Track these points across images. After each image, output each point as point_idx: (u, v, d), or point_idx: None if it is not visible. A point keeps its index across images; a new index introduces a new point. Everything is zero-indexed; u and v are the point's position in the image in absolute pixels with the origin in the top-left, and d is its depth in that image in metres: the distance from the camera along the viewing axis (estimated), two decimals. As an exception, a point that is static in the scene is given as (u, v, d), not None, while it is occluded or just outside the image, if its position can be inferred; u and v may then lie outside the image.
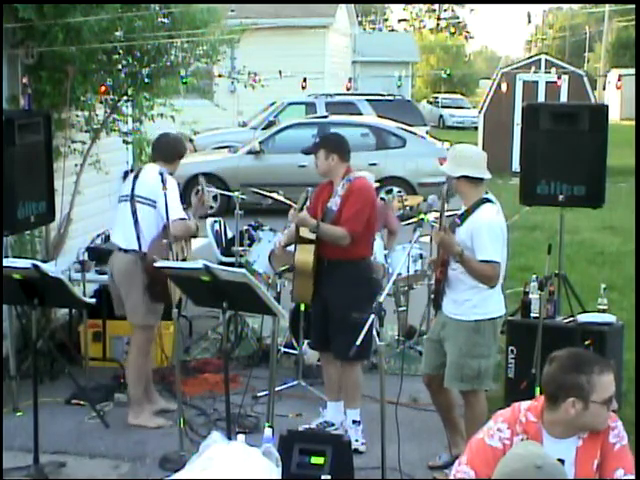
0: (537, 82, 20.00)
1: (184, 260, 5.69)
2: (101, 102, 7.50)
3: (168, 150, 5.82)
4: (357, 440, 5.32)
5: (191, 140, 17.29)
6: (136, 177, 5.72)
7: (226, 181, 13.38)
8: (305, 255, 5.35)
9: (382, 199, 8.52)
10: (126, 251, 5.61)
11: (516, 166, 16.90)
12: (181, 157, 5.88)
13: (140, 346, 5.71)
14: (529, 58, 22.98)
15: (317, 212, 5.43)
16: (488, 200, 4.84)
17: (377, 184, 6.72)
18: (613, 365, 3.33)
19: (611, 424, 3.30)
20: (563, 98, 18.93)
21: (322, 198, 5.48)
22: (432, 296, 5.22)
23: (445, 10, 72.06)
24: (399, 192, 12.61)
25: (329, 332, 5.40)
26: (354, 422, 5.45)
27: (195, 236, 5.94)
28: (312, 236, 5.30)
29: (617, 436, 3.29)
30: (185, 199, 5.86)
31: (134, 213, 5.58)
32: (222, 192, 9.44)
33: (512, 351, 6.00)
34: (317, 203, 5.51)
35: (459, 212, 4.93)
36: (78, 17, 6.46)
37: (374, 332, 4.31)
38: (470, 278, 4.76)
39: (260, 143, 14.58)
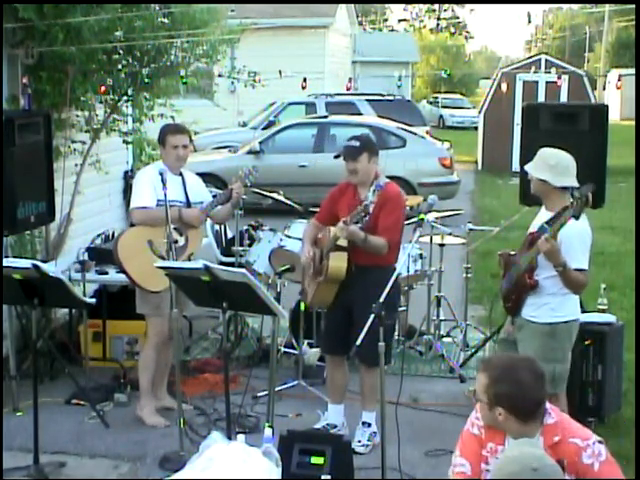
0: (537, 82, 20.03)
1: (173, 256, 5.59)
2: (101, 102, 7.50)
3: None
4: (359, 441, 5.30)
5: (191, 140, 17.26)
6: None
7: (226, 181, 13.35)
8: (340, 262, 5.22)
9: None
10: None
11: (516, 166, 16.85)
12: (162, 142, 5.89)
13: (149, 337, 5.77)
14: (529, 58, 22.99)
15: (339, 215, 5.25)
16: None
17: None
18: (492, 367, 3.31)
19: (581, 444, 3.15)
20: (563, 98, 18.94)
21: (347, 201, 5.32)
22: (508, 304, 4.99)
23: (445, 10, 72.12)
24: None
25: (352, 336, 5.09)
26: (364, 423, 5.41)
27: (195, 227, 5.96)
28: (345, 243, 5.19)
29: (591, 456, 3.14)
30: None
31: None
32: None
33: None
34: (340, 206, 5.35)
35: (545, 219, 4.75)
36: (78, 17, 6.46)
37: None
38: (552, 285, 4.73)
39: (260, 143, 14.57)
